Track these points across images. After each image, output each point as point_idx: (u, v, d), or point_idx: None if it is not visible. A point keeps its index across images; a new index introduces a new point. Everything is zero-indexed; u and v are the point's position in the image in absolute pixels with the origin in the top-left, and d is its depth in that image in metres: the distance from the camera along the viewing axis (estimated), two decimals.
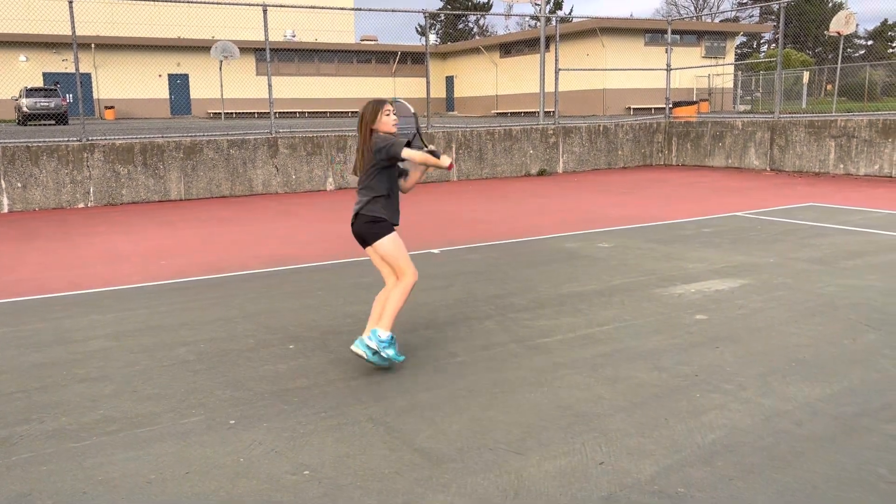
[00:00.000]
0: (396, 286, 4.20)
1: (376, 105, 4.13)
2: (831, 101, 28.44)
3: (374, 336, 4.11)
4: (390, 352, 4.12)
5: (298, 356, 4.47)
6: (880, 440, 3.22)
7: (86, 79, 36.59)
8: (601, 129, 16.99)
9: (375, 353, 4.10)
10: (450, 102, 47.88)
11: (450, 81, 47.56)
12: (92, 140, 12.15)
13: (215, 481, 2.99)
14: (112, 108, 36.32)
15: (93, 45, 35.74)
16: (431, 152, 4.10)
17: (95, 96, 37.19)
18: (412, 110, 4.43)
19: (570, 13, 61.68)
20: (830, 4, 44.82)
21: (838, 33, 23.02)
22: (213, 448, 3.28)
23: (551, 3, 60.75)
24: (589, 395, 3.79)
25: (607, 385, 3.92)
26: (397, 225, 4.31)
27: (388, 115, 4.14)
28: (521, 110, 38.73)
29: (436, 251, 7.65)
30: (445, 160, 4.06)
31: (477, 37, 61.10)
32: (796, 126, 15.08)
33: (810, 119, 15.16)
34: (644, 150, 17.69)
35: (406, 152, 4.01)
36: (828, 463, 3.03)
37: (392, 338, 4.14)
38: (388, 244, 4.22)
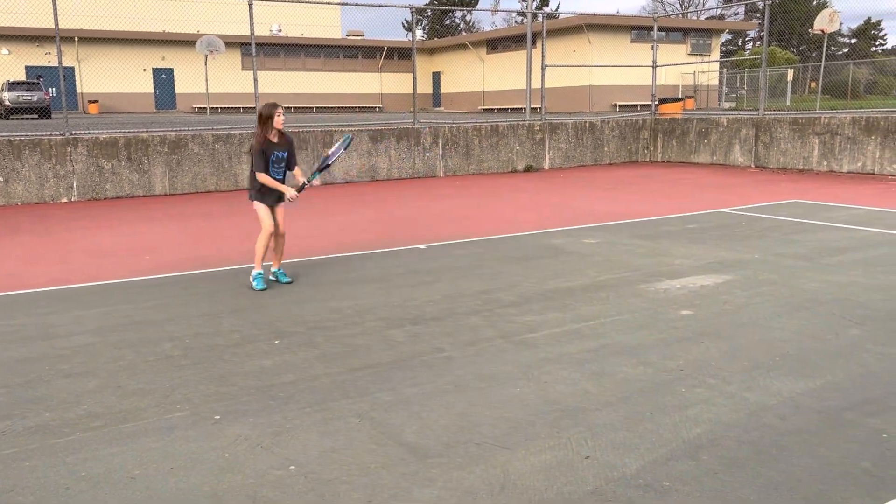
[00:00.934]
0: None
1: (272, 107, 5.93)
2: (815, 98, 28.65)
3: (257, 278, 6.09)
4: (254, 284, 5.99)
5: (284, 351, 4.45)
6: (864, 434, 3.25)
7: (69, 72, 36.25)
8: (587, 125, 17.03)
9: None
10: (436, 98, 47.82)
11: (436, 77, 47.50)
12: (75, 134, 12.03)
13: (200, 476, 2.97)
14: (96, 102, 36.00)
15: (76, 39, 35.39)
16: (302, 186, 6.24)
17: (79, 90, 36.85)
18: (335, 152, 6.47)
19: (556, 9, 61.73)
20: (815, 2, 45.13)
21: (822, 31, 23.19)
22: (197, 443, 3.26)
23: (538, 0, 60.79)
24: (575, 389, 3.80)
25: (593, 380, 3.93)
26: (265, 203, 6.09)
27: (279, 115, 5.96)
28: (507, 106, 38.75)
29: (422, 246, 7.64)
30: (290, 192, 6.05)
31: (464, 32, 61.05)
32: (781, 123, 15.18)
33: (794, 116, 15.27)
34: (630, 147, 17.75)
35: (259, 176, 5.98)
36: (812, 456, 3.06)
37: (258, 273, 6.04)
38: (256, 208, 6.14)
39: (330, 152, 6.41)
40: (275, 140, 5.99)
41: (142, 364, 4.26)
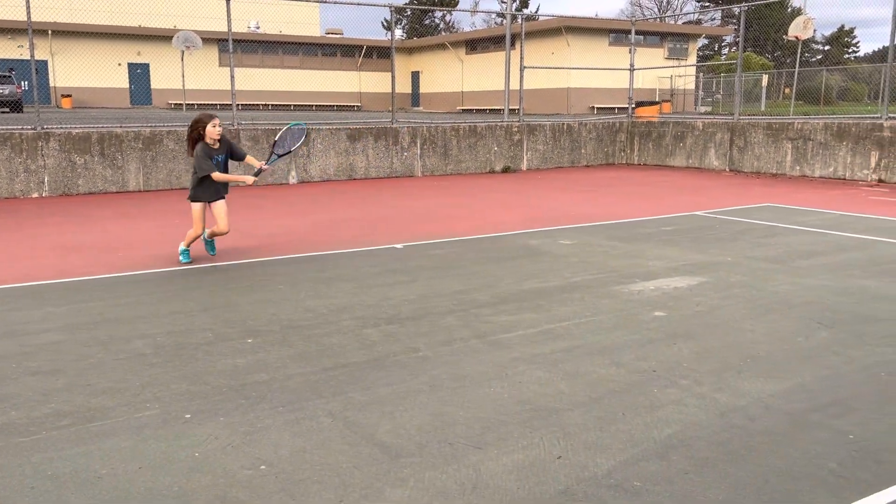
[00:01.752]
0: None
1: (209, 117, 6.54)
2: (789, 104, 29.03)
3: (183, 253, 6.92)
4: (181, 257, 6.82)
5: (257, 350, 4.42)
6: (830, 435, 3.30)
7: (42, 66, 35.70)
8: (565, 127, 17.11)
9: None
10: (415, 98, 47.78)
11: (415, 77, 47.47)
12: (47, 128, 11.86)
13: (169, 476, 2.94)
14: (69, 96, 35.51)
15: (50, 32, 34.88)
16: (258, 171, 6.87)
17: (52, 84, 36.32)
18: (285, 141, 7.10)
19: (535, 11, 61.98)
20: (790, 9, 45.72)
21: (797, 38, 23.50)
22: (167, 442, 3.22)
23: (517, 1, 61.00)
24: (548, 390, 3.82)
25: (566, 380, 3.95)
26: (201, 201, 6.72)
27: (213, 126, 6.53)
28: (486, 107, 38.81)
29: (399, 246, 7.63)
30: (248, 179, 6.79)
31: (443, 33, 61.07)
32: (755, 128, 15.37)
33: (768, 121, 15.47)
34: (607, 149, 17.87)
35: (214, 175, 6.58)
36: (779, 457, 3.10)
37: (184, 249, 6.85)
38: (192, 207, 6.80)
39: (276, 138, 7.03)
40: (215, 146, 6.60)
41: (111, 362, 4.21)
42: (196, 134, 6.53)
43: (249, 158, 6.90)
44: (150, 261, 6.91)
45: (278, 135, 7.08)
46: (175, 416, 3.50)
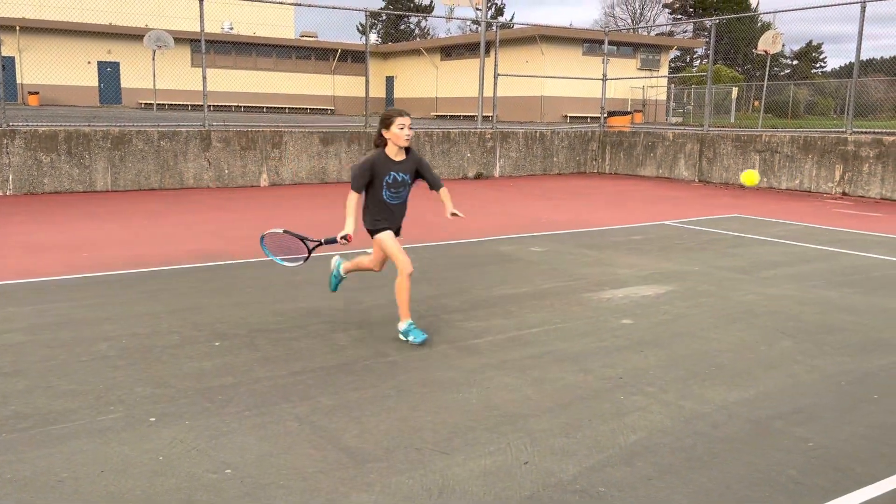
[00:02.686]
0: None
1: (399, 112, 4.62)
2: (758, 116, 29.54)
3: (338, 267, 5.31)
4: (410, 337, 4.65)
5: (224, 353, 4.38)
6: (791, 443, 3.36)
7: (9, 62, 35.03)
8: (538, 135, 17.22)
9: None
10: (389, 102, 47.71)
11: (390, 82, 47.44)
12: (13, 126, 11.64)
13: (132, 480, 2.90)
14: (36, 93, 34.89)
15: (17, 28, 34.25)
16: (332, 240, 4.70)
17: (19, 81, 35.65)
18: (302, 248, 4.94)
19: (510, 20, 62.32)
20: (759, 24, 46.51)
21: (766, 52, 23.93)
22: (130, 446, 3.18)
23: (492, 9, 61.28)
24: (517, 395, 3.83)
25: (535, 386, 3.97)
26: (379, 230, 4.76)
27: (402, 127, 4.58)
28: (460, 113, 38.91)
29: (370, 251, 7.59)
30: (345, 231, 4.58)
31: (418, 38, 61.15)
32: (724, 140, 15.60)
33: (737, 133, 15.71)
34: (579, 158, 18.01)
35: (351, 197, 4.67)
36: (742, 463, 3.14)
37: (409, 324, 4.69)
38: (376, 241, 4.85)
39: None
40: (397, 158, 4.67)
41: (75, 364, 4.14)
42: (378, 134, 4.66)
43: (444, 193, 4.90)
44: (117, 262, 6.81)
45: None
46: (139, 419, 3.45)
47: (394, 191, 4.67)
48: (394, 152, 4.64)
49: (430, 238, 8.44)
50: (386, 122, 4.57)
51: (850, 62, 15.12)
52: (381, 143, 4.65)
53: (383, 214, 4.71)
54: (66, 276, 6.22)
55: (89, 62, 38.21)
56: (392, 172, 4.63)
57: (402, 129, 4.55)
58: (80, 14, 38.23)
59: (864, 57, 13.86)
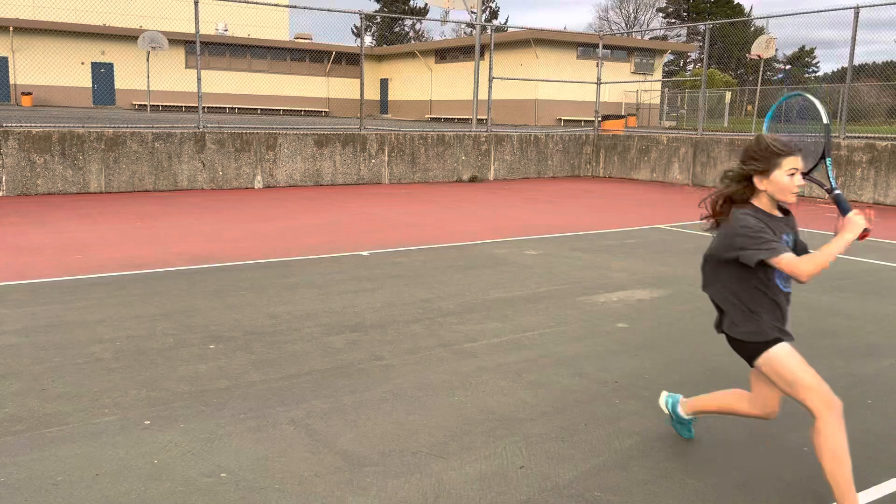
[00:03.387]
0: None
1: (788, 149, 2.78)
2: (751, 120, 29.64)
3: (674, 409, 3.37)
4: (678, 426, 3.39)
5: (219, 356, 4.37)
6: (785, 447, 3.37)
7: (2, 63, 34.93)
8: (532, 138, 17.24)
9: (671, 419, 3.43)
10: (384, 105, 47.73)
11: (384, 84, 47.44)
12: (6, 126, 11.59)
13: (126, 483, 2.89)
14: (30, 94, 34.75)
15: (11, 28, 34.15)
16: (836, 198, 2.98)
17: (12, 81, 35.52)
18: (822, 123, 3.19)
19: (505, 23, 62.44)
20: (752, 29, 46.72)
21: (759, 56, 24.03)
22: (125, 449, 3.17)
23: (487, 13, 61.38)
24: (512, 399, 3.83)
25: (530, 390, 3.97)
26: (783, 339, 2.90)
27: (791, 174, 2.79)
28: (454, 116, 38.94)
29: (365, 253, 7.60)
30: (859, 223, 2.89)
31: (413, 41, 61.18)
32: (718, 144, 15.65)
33: (731, 137, 15.77)
34: (573, 161, 18.04)
35: (781, 259, 2.73)
36: (737, 468, 3.15)
37: (689, 421, 3.36)
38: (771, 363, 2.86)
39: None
40: (776, 214, 2.95)
41: (69, 367, 4.12)
42: (748, 174, 2.87)
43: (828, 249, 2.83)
44: (111, 264, 6.79)
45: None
46: (134, 422, 3.44)
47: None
48: (769, 206, 2.90)
49: (422, 241, 8.44)
50: (769, 161, 2.79)
51: (843, 67, 15.19)
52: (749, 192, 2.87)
53: (776, 313, 2.91)
54: (60, 278, 6.19)
55: (83, 63, 38.09)
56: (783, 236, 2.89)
57: (793, 175, 2.80)
58: (74, 15, 38.12)
59: (856, 62, 13.93)
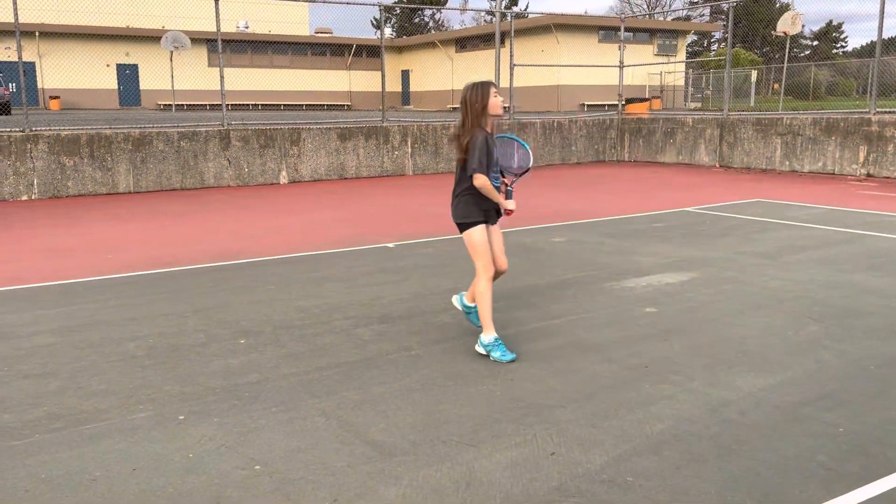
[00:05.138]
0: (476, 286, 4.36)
1: (484, 87, 4.11)
2: (778, 99, 29.16)
3: (462, 302, 4.68)
4: (496, 354, 4.21)
5: (250, 351, 4.42)
6: (820, 428, 3.32)
7: (29, 68, 35.47)
8: (555, 124, 17.14)
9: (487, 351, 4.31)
10: (405, 96, 47.73)
11: (405, 75, 47.42)
12: (36, 130, 11.79)
13: (163, 477, 2.94)
14: (57, 98, 35.29)
15: (37, 33, 34.66)
16: (508, 193, 4.35)
17: (40, 86, 36.09)
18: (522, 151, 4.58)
19: (525, 9, 62.00)
20: (778, 5, 45.90)
21: (785, 33, 23.60)
22: (161, 444, 3.22)
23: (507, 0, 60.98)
24: (541, 387, 3.83)
25: (559, 377, 3.96)
26: (486, 222, 4.27)
27: (495, 96, 4.13)
28: None
29: (391, 245, 7.63)
30: (510, 203, 4.31)
31: (433, 31, 61.02)
32: (744, 124, 15.43)
33: (758, 117, 15.53)
34: (597, 146, 17.90)
35: (476, 179, 4.09)
36: (770, 451, 3.12)
37: (494, 339, 4.23)
38: (468, 237, 4.28)
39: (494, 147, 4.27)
40: (490, 131, 4.21)
41: (104, 364, 4.20)
42: (480, 106, 4.11)
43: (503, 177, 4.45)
44: (141, 262, 6.89)
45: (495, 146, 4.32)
46: (168, 417, 3.50)
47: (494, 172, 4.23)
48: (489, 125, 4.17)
49: (448, 231, 8.44)
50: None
51: (872, 41, 14.87)
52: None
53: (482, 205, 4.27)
54: (92, 278, 6.30)
55: (108, 65, 38.57)
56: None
57: (496, 97, 4.14)
58: (98, 18, 38.57)
59: (886, 35, 13.62)
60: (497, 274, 4.35)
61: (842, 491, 2.80)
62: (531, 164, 4.60)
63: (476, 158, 4.05)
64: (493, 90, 4.12)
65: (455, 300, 4.73)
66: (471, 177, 4.11)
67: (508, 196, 4.36)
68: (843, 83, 37.18)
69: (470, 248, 4.26)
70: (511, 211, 4.33)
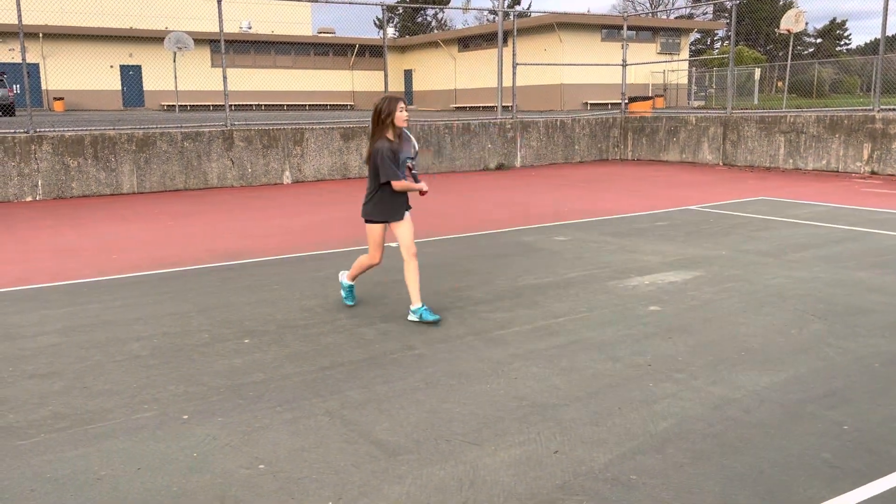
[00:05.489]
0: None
1: (392, 102, 4.81)
2: (782, 97, 29.11)
3: (342, 281, 5.49)
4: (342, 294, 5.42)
5: (254, 350, 4.43)
6: (824, 426, 3.32)
7: (33, 69, 35.57)
8: (558, 123, 17.13)
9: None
10: (408, 96, 47.71)
11: (408, 75, 47.44)
12: (40, 132, 11.83)
13: (168, 476, 2.95)
14: (61, 99, 35.39)
15: (41, 35, 34.75)
16: (414, 176, 5.02)
17: (44, 87, 36.20)
18: (415, 146, 5.14)
19: (527, 8, 61.96)
20: (781, 3, 45.83)
21: (788, 31, 23.56)
22: (165, 443, 3.23)
23: None
24: (545, 385, 3.84)
25: (563, 375, 3.96)
26: (383, 221, 5.04)
27: (401, 111, 4.82)
28: (479, 105, 38.81)
29: (394, 244, 7.62)
30: (423, 185, 5.00)
31: (435, 30, 61.02)
32: (748, 122, 15.41)
33: (761, 115, 15.51)
34: (600, 145, 17.89)
35: (395, 185, 4.85)
36: (774, 448, 3.12)
37: (349, 286, 5.39)
38: (368, 230, 5.14)
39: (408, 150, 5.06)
40: (396, 142, 4.90)
41: (109, 364, 4.21)
42: (383, 122, 4.82)
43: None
44: (146, 263, 6.91)
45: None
46: (173, 417, 3.51)
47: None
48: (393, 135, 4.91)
49: (451, 230, 8.45)
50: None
51: (876, 38, 14.84)
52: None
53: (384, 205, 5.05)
54: (97, 278, 6.32)
55: (111, 66, 38.66)
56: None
57: (402, 111, 4.87)
58: (102, 19, 38.67)
59: (889, 32, 13.59)
60: (408, 254, 5.06)
61: (846, 489, 2.79)
62: (412, 153, 5.15)
63: (387, 168, 4.78)
64: (400, 105, 4.82)
65: (340, 275, 5.50)
66: (386, 182, 4.83)
67: (416, 180, 5.02)
68: (847, 80, 37.10)
69: (368, 238, 5.10)
70: (426, 191, 4.99)
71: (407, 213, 5.03)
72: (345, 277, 5.38)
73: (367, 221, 5.07)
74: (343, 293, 5.38)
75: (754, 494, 2.76)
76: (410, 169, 5.02)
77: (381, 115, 4.80)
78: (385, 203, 4.95)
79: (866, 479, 2.85)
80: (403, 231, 4.99)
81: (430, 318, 4.91)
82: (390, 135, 4.85)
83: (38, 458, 3.11)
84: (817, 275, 6.08)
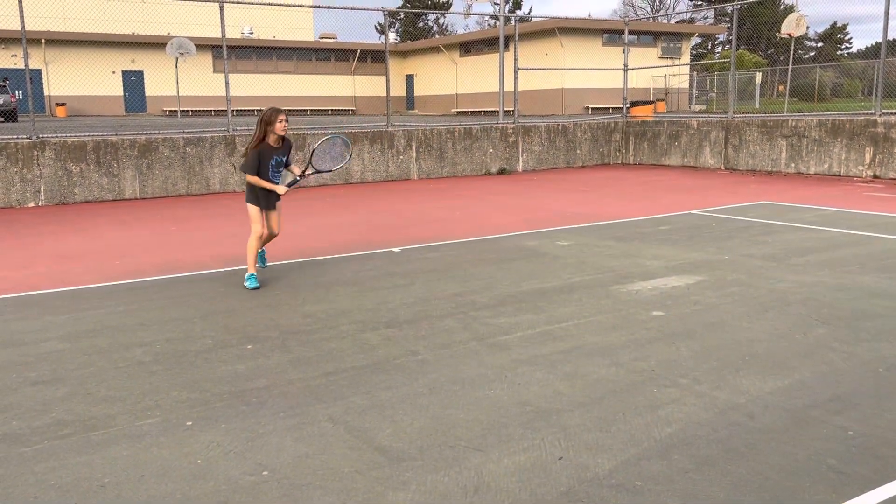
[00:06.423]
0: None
1: (274, 113, 5.96)
2: (783, 101, 29.11)
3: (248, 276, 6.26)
4: (247, 283, 6.06)
5: (257, 356, 4.42)
6: (829, 431, 3.31)
7: (36, 75, 35.67)
8: (560, 128, 17.14)
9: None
10: (410, 101, 47.83)
11: (410, 80, 47.52)
12: (42, 137, 11.85)
13: (172, 483, 2.94)
14: (64, 105, 35.49)
15: (43, 41, 34.86)
16: (292, 182, 6.28)
17: (46, 93, 36.30)
18: (329, 154, 6.73)
19: (529, 13, 62.06)
20: (782, 7, 45.85)
21: (789, 35, 23.58)
22: (169, 450, 3.23)
23: (510, 3, 61.07)
24: (548, 391, 3.83)
25: (566, 381, 3.96)
26: (255, 205, 6.15)
27: (281, 121, 5.96)
28: (481, 109, 38.85)
29: (397, 249, 7.63)
30: (280, 189, 6.14)
31: (437, 35, 61.13)
32: (749, 126, 15.41)
33: (763, 119, 15.51)
34: (602, 149, 17.90)
35: (248, 178, 6.08)
36: (780, 454, 3.11)
37: (249, 274, 6.14)
38: (248, 209, 6.21)
39: (315, 147, 6.56)
40: (275, 145, 6.05)
41: (112, 370, 4.21)
42: (262, 131, 5.98)
43: (294, 167, 6.38)
44: (149, 268, 6.91)
45: (318, 144, 6.60)
46: (176, 423, 3.50)
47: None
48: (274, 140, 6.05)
49: (453, 235, 8.44)
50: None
51: (877, 42, 14.85)
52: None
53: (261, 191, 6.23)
54: (100, 284, 6.32)
55: (114, 72, 38.77)
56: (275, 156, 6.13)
57: (281, 122, 5.98)
58: (104, 25, 38.78)
59: (891, 36, 13.60)
60: (269, 236, 6.35)
61: (852, 494, 2.78)
62: (336, 167, 6.81)
63: (247, 164, 5.98)
64: (281, 116, 5.96)
65: (246, 283, 6.19)
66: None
67: (293, 183, 6.24)
68: (849, 84, 37.12)
69: (250, 216, 6.15)
70: (281, 193, 6.15)
71: (278, 204, 6.29)
72: (248, 273, 6.13)
73: (247, 202, 6.21)
74: (249, 284, 6.04)
75: (760, 500, 2.75)
76: (295, 174, 6.26)
77: (264, 123, 5.94)
78: (255, 191, 6.11)
79: (872, 485, 2.84)
80: (273, 219, 6.26)
81: (251, 285, 5.99)
82: (272, 140, 5.99)
83: (41, 464, 3.11)
84: (821, 279, 6.07)
